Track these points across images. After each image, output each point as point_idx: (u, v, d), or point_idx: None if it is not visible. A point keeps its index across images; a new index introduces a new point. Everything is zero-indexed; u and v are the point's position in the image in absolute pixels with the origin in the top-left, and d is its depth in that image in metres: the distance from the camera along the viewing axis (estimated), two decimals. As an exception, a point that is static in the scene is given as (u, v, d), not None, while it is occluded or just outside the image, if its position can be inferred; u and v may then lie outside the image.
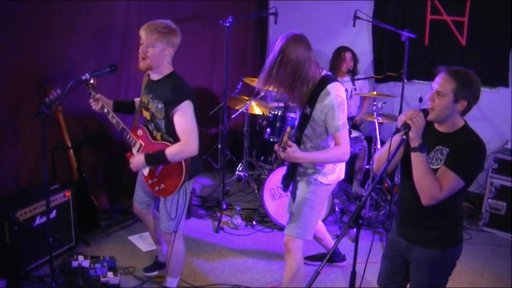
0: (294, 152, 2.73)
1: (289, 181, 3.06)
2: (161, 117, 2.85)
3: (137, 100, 3.18)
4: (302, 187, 3.01)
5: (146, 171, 2.99)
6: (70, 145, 3.84)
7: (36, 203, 3.43)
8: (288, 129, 2.79)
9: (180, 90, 2.79)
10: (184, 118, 2.77)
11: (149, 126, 2.98)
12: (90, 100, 3.00)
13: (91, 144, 4.22)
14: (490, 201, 4.51)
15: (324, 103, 2.74)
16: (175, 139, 2.84)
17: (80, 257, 3.55)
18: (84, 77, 2.85)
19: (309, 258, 3.82)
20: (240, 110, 4.87)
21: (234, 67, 5.37)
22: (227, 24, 4.21)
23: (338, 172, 3.05)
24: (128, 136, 2.99)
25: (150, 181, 2.99)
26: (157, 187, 2.97)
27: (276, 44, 2.75)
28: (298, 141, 2.90)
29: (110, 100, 3.11)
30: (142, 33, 2.76)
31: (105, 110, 2.98)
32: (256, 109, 4.88)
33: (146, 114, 2.96)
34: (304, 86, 2.74)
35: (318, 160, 2.88)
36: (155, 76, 2.88)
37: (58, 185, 3.67)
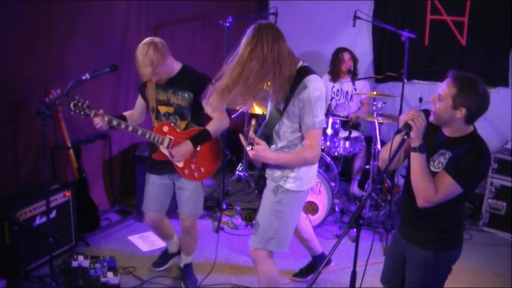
0: (264, 150, 2.51)
1: (262, 184, 2.84)
2: (188, 105, 3.01)
3: (128, 113, 3.17)
4: (268, 195, 2.76)
5: (181, 163, 3.07)
6: (70, 145, 3.84)
7: (36, 203, 3.43)
8: (253, 121, 2.57)
9: (201, 77, 3.04)
10: None
11: (171, 119, 3.07)
12: (95, 119, 2.88)
13: (91, 144, 4.22)
14: (490, 201, 4.52)
15: (299, 97, 2.49)
16: (199, 124, 3.07)
17: (80, 257, 3.55)
18: (84, 77, 2.85)
19: (297, 275, 3.62)
20: (240, 110, 4.87)
21: (234, 67, 5.36)
22: (227, 24, 4.20)
23: (309, 177, 2.75)
24: (152, 137, 3.00)
25: (186, 171, 3.09)
26: (196, 173, 3.11)
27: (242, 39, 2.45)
28: (268, 139, 2.68)
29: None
30: (141, 71, 2.84)
31: (115, 123, 2.92)
32: (256, 109, 4.88)
33: (168, 109, 3.05)
34: (278, 81, 2.44)
35: (288, 162, 2.61)
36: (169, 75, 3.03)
37: (58, 185, 3.67)
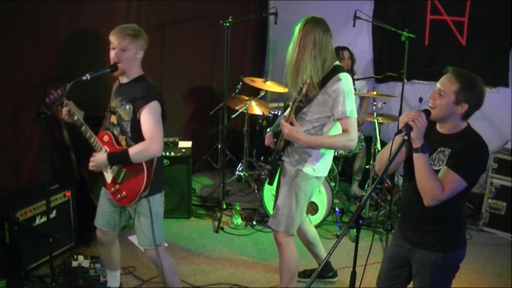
0: (297, 132, 2.75)
1: (275, 174, 3.06)
2: (128, 119, 2.78)
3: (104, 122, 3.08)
4: (287, 180, 2.98)
5: (109, 178, 2.88)
6: (70, 145, 3.84)
7: (36, 203, 3.43)
8: (297, 102, 2.79)
9: (149, 90, 2.77)
10: (151, 117, 2.70)
11: (115, 131, 2.87)
12: (64, 109, 2.87)
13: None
14: (490, 201, 4.51)
15: (333, 88, 2.76)
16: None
17: (80, 257, 3.56)
18: (84, 77, 2.84)
19: (298, 275, 3.57)
20: (240, 110, 4.87)
21: (234, 67, 5.36)
22: (227, 24, 4.21)
23: (324, 164, 2.98)
24: (94, 143, 2.87)
25: (112, 188, 2.88)
26: (118, 195, 2.86)
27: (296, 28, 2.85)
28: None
29: (82, 111, 3.00)
30: (113, 38, 2.74)
31: (75, 118, 2.88)
32: (256, 109, 4.88)
33: (113, 119, 2.87)
34: (320, 66, 2.77)
35: (322, 144, 2.85)
36: (125, 80, 2.85)
37: (58, 185, 3.67)
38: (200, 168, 5.45)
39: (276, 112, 4.75)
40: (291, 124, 2.80)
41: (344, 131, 2.80)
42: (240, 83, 5.09)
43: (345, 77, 2.79)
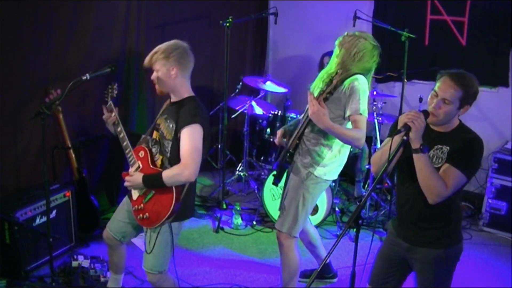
0: (324, 114, 2.71)
1: (283, 174, 3.02)
2: (169, 137, 2.67)
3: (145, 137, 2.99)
4: (296, 181, 2.97)
5: (135, 195, 2.76)
6: (70, 145, 3.84)
7: (36, 203, 3.44)
8: (330, 87, 2.81)
9: (195, 113, 2.64)
10: (191, 139, 2.58)
11: (153, 149, 2.77)
12: (105, 112, 2.83)
13: (91, 144, 4.21)
14: (490, 201, 4.51)
15: (348, 86, 2.80)
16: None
17: (80, 257, 3.56)
18: (84, 77, 2.84)
19: (300, 275, 3.54)
20: (240, 110, 4.87)
21: (234, 67, 5.36)
22: (227, 24, 4.21)
23: (335, 168, 3.01)
24: (129, 155, 2.76)
25: (137, 206, 2.75)
26: (141, 215, 2.72)
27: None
28: (308, 122, 2.89)
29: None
30: (146, 59, 2.69)
31: (116, 122, 2.82)
32: (256, 109, 4.88)
33: (156, 135, 2.78)
34: (349, 68, 2.85)
35: (341, 134, 2.79)
36: (174, 98, 2.76)
37: (58, 185, 3.68)
38: (200, 168, 5.41)
39: (276, 112, 4.75)
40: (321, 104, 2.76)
41: (355, 127, 2.81)
42: (240, 83, 5.09)
43: (362, 78, 2.85)
